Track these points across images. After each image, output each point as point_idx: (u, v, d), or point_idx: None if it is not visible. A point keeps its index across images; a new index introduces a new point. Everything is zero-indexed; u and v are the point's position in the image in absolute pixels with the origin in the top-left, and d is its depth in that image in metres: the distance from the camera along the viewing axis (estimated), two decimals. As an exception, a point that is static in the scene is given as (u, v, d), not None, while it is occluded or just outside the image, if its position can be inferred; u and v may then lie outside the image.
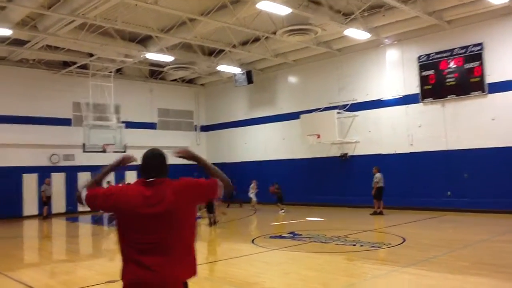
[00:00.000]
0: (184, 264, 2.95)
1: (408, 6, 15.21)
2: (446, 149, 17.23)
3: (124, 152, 20.91)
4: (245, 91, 24.79)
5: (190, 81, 27.18)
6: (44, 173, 21.07)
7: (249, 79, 22.49)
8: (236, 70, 22.46)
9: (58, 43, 18.16)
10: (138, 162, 3.13)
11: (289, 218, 17.18)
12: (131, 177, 21.64)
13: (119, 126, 21.23)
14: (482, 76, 16.29)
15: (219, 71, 23.70)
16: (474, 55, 16.47)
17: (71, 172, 21.97)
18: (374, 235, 12.77)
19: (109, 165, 3.26)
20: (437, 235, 12.14)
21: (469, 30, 16.63)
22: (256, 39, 19.44)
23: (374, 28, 17.48)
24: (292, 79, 23.31)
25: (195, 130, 27.80)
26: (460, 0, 15.31)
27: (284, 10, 14.61)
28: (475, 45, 16.46)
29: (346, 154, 20.42)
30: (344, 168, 20.42)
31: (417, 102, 18.03)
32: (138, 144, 21.25)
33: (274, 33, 17.60)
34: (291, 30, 16.82)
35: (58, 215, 21.06)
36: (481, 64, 16.30)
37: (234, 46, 19.51)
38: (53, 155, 21.76)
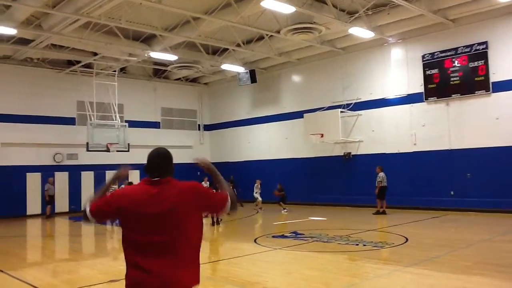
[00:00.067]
0: (189, 269, 2.89)
1: (413, 4, 15.17)
2: (450, 148, 17.16)
3: (127, 151, 20.96)
4: (248, 90, 24.79)
5: (194, 80, 27.20)
6: (47, 172, 21.13)
7: (253, 78, 22.51)
8: (240, 69, 22.47)
9: (62, 42, 18.21)
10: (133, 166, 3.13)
11: (292, 218, 17.17)
12: (131, 176, 21.68)
13: (122, 125, 21.28)
14: (486, 75, 16.21)
15: (222, 70, 23.71)
16: (479, 53, 16.39)
17: (74, 171, 22.05)
18: (377, 235, 12.73)
19: (107, 182, 3.26)
20: (440, 235, 12.09)
21: (474, 29, 16.55)
22: (260, 38, 19.43)
23: (378, 27, 17.43)
24: (296, 78, 23.28)
25: (199, 129, 27.82)
26: (465, -2, 15.27)
27: (288, 9, 14.58)
28: (479, 44, 16.38)
29: (349, 153, 20.38)
30: (347, 168, 20.38)
31: (421, 101, 17.97)
32: (142, 143, 21.37)
33: (278, 31, 17.58)
34: (295, 29, 16.79)
35: (61, 214, 21.10)
36: (486, 63, 16.21)
37: (238, 45, 19.50)
38: (56, 154, 21.82)
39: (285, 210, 18.72)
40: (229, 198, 3.08)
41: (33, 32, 16.68)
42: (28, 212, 20.66)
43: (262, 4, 14.14)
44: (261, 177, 20.83)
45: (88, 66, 21.54)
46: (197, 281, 2.94)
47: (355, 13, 16.30)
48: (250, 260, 9.60)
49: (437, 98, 17.51)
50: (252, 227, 16.35)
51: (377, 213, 16.86)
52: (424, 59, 17.83)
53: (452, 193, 16.94)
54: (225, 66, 22.08)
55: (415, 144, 18.14)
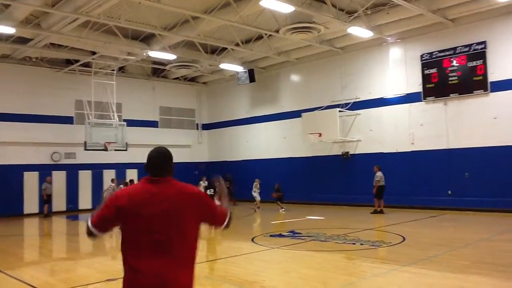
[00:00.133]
0: (187, 269, 2.91)
1: (412, 4, 15.18)
2: (448, 148, 17.18)
3: (126, 150, 20.93)
4: (247, 90, 24.78)
5: (193, 79, 27.18)
6: (45, 171, 21.10)
7: (251, 78, 22.52)
8: (239, 69, 22.46)
9: (61, 41, 18.19)
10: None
11: (289, 217, 17.17)
12: (131, 175, 21.69)
13: (121, 124, 21.24)
14: (485, 75, 16.22)
15: (221, 70, 23.68)
16: (477, 53, 16.40)
17: (72, 170, 22.02)
18: (374, 234, 12.73)
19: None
20: (438, 234, 12.11)
21: (473, 28, 16.56)
22: (259, 37, 19.42)
23: (377, 26, 17.44)
24: (295, 77, 23.27)
25: (197, 128, 27.80)
26: (464, -2, 15.28)
27: (287, 8, 14.59)
28: (478, 44, 16.39)
29: (348, 152, 20.39)
30: (345, 167, 20.39)
31: (420, 100, 17.97)
32: (140, 142, 21.37)
33: (277, 31, 17.57)
34: (294, 28, 16.79)
35: (59, 213, 21.08)
36: (484, 63, 16.23)
37: (237, 44, 19.49)
38: (54, 153, 21.79)
39: (283, 209, 18.72)
40: (228, 215, 3.17)
41: (32, 31, 16.67)
42: (26, 211, 20.63)
43: (261, 3, 14.14)
44: (259, 176, 20.85)
45: (87, 65, 21.50)
46: (193, 282, 2.96)
47: (354, 12, 16.30)
48: (247, 259, 9.60)
49: (436, 97, 17.52)
50: (249, 226, 16.34)
51: (375, 212, 16.88)
52: (423, 58, 17.84)
53: (449, 192, 16.96)
54: (224, 66, 22.07)
55: (412, 143, 18.14)
